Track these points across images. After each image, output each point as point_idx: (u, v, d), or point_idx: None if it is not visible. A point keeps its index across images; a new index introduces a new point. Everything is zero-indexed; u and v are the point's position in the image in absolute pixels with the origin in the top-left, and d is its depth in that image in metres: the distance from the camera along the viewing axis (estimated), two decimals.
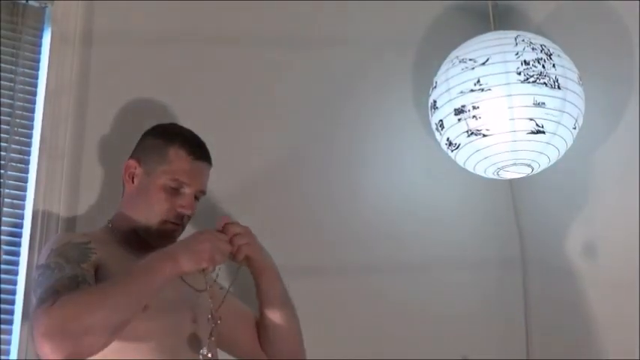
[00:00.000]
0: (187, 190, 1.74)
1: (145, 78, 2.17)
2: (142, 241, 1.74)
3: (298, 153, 2.36)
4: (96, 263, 1.63)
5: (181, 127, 1.84)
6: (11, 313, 1.92)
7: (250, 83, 2.32)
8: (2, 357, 1.94)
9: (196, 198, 1.77)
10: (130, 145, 1.82)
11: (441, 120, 2.24)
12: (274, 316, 1.82)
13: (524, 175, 2.30)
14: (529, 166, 2.23)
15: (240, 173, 2.20)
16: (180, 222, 1.74)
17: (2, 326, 1.91)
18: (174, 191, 1.73)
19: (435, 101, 2.26)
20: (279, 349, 1.86)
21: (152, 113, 2.08)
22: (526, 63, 2.12)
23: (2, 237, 1.95)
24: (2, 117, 1.96)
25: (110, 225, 1.78)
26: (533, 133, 2.12)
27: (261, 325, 1.86)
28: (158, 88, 2.18)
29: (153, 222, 1.72)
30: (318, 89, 2.46)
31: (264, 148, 2.30)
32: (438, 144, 2.37)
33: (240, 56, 2.31)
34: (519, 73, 2.11)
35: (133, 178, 1.76)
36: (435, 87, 2.29)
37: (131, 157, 1.78)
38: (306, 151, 2.40)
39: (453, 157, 2.33)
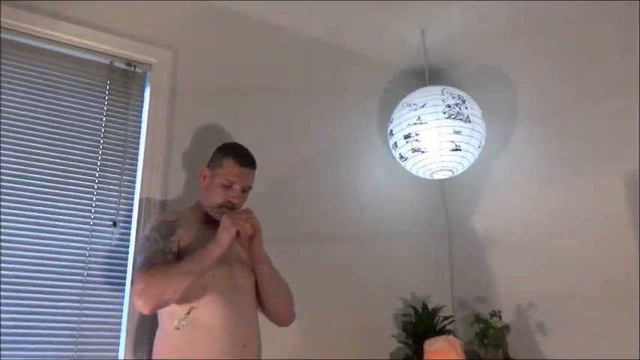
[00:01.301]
0: (236, 187, 1.98)
1: (212, 115, 2.45)
2: (211, 217, 2.00)
3: (302, 164, 2.62)
4: (180, 235, 1.90)
5: (236, 144, 2.08)
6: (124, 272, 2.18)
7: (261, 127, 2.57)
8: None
9: (244, 191, 2.01)
10: (201, 159, 2.13)
11: (396, 142, 2.63)
12: (269, 291, 2.00)
13: (448, 176, 2.65)
14: (451, 170, 2.59)
15: (267, 174, 2.33)
16: (231, 207, 1.97)
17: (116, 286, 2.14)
18: (227, 187, 1.96)
19: (391, 130, 2.67)
20: (275, 311, 2.03)
21: (217, 138, 2.30)
22: (449, 106, 2.50)
23: (119, 217, 2.17)
24: (118, 145, 2.25)
25: (194, 206, 2.06)
26: (453, 150, 2.49)
27: (259, 294, 2.02)
28: (222, 120, 2.44)
29: (214, 206, 1.98)
30: (315, 125, 2.74)
31: (282, 159, 2.56)
32: (394, 157, 2.73)
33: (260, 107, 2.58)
34: (444, 112, 2.48)
35: (205, 178, 2.03)
36: (392, 121, 2.69)
37: (207, 165, 2.05)
38: (306, 163, 2.63)
39: (403, 166, 2.70)
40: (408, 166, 2.69)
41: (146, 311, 1.72)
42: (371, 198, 2.83)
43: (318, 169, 2.71)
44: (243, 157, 2.03)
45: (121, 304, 2.15)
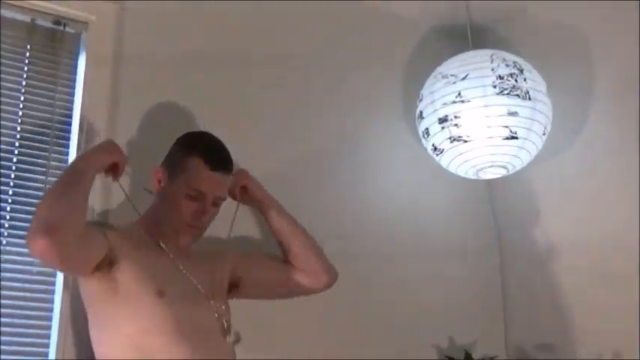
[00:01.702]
0: (205, 199, 1.84)
1: (171, 91, 2.31)
2: (164, 237, 1.85)
3: (300, 162, 2.50)
4: (110, 241, 1.74)
5: (204, 136, 1.93)
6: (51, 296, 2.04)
7: (255, 98, 2.46)
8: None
9: (216, 204, 1.87)
10: (155, 154, 1.98)
11: (427, 128, 2.40)
12: (295, 244, 2.02)
13: (500, 175, 2.43)
14: (504, 167, 2.37)
15: (259, 172, 2.20)
16: (199, 225, 1.86)
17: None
18: (194, 198, 1.82)
19: (421, 112, 2.43)
20: (312, 268, 2.03)
21: (179, 125, 2.18)
22: (500, 78, 2.27)
23: None
24: (43, 129, 2.12)
25: (140, 219, 1.90)
26: (507, 138, 2.27)
27: (285, 251, 2.03)
28: (187, 99, 2.32)
29: (177, 224, 1.84)
30: (322, 105, 2.61)
31: (279, 152, 2.46)
32: (425, 149, 2.50)
33: (251, 74, 2.46)
34: (495, 87, 2.26)
35: (160, 182, 1.87)
36: (422, 99, 2.45)
37: (162, 163, 1.89)
38: (306, 161, 2.52)
39: (437, 161, 2.46)
40: (444, 161, 2.42)
41: (53, 249, 1.54)
42: (393, 205, 2.68)
43: (322, 169, 2.57)
44: (216, 156, 1.85)
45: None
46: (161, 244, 1.84)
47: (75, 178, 1.69)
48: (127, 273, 1.73)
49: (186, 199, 1.82)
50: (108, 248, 1.73)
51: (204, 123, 2.26)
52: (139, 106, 2.27)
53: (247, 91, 2.48)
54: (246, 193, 2.01)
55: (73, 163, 1.80)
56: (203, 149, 1.85)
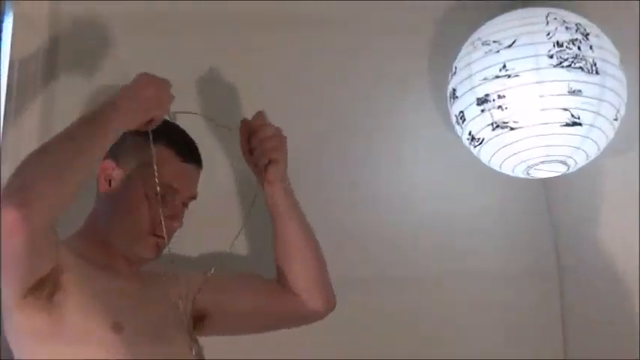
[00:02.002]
0: (176, 198, 1.78)
1: (130, 64, 2.07)
2: (115, 255, 1.77)
3: (301, 159, 2.17)
4: (60, 254, 1.61)
5: (168, 122, 1.83)
6: None
7: (244, 69, 2.32)
8: None
9: (185, 204, 1.82)
10: None
11: (462, 111, 2.24)
12: (290, 243, 1.96)
13: (558, 173, 2.28)
14: (564, 163, 2.20)
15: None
16: (168, 234, 1.76)
17: None
18: (161, 199, 1.75)
19: (454, 90, 2.27)
20: (309, 285, 1.97)
21: None
22: (559, 45, 2.09)
23: None
24: None
25: (78, 232, 1.79)
26: (568, 125, 2.10)
27: (283, 266, 1.96)
28: (145, 66, 2.05)
29: (134, 235, 1.75)
30: (315, 75, 2.47)
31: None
32: (459, 138, 2.36)
33: (230, 39, 2.33)
34: (551, 57, 2.08)
35: (110, 180, 1.77)
36: (455, 73, 2.28)
37: (108, 155, 1.76)
38: (306, 156, 2.33)
39: (475, 154, 2.31)
40: (484, 154, 2.27)
41: (27, 227, 1.44)
42: (420, 212, 2.52)
43: (330, 163, 2.46)
44: (186, 145, 1.84)
45: None
46: (111, 263, 1.76)
47: (85, 142, 1.60)
48: (73, 301, 1.63)
49: (148, 201, 1.75)
50: (55, 263, 1.61)
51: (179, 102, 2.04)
52: (82, 84, 2.17)
53: (245, 56, 2.37)
54: (269, 171, 1.92)
55: (93, 113, 1.65)
56: (172, 137, 1.80)
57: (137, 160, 1.78)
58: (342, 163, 2.47)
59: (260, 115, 1.96)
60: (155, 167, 1.76)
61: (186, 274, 1.89)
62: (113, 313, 1.66)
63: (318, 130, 2.44)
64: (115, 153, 1.77)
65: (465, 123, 2.27)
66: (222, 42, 2.34)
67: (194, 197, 1.84)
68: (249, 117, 2.02)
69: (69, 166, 1.53)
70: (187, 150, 1.83)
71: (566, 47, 2.11)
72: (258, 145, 1.90)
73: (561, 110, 2.11)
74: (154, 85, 1.74)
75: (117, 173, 1.78)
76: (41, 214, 1.46)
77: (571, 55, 2.10)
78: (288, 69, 2.45)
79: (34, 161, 1.53)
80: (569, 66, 2.10)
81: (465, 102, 2.23)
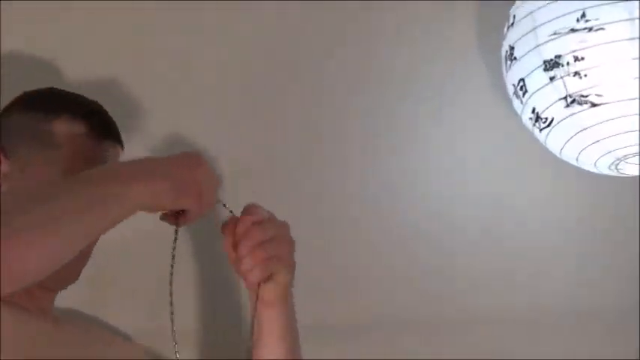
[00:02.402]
0: None
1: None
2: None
3: (300, 138, 2.28)
4: None
5: (67, 92, 1.74)
6: None
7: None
8: None
9: None
10: None
11: (523, 79, 2.01)
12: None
13: None
14: None
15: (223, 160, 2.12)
16: None
17: None
18: None
19: (512, 48, 2.05)
20: None
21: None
22: None
23: None
24: None
25: None
26: None
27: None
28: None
29: None
30: (329, 36, 2.26)
31: (253, 132, 2.24)
32: (518, 117, 2.13)
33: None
34: None
35: None
36: (513, 24, 2.06)
37: None
38: (311, 137, 2.27)
39: (542, 140, 2.08)
40: (554, 141, 2.06)
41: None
42: (461, 227, 2.39)
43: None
44: (98, 116, 1.74)
45: None
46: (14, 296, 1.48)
47: (99, 205, 1.42)
48: None
49: None
50: None
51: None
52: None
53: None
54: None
55: (116, 171, 1.51)
56: (78, 106, 1.73)
57: (34, 144, 1.63)
58: (363, 147, 2.30)
59: (252, 209, 1.67)
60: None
61: (127, 341, 1.86)
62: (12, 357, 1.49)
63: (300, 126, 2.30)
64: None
65: (526, 96, 2.02)
66: None
67: None
68: None
69: (69, 223, 1.34)
70: (102, 121, 1.73)
71: None
72: (247, 254, 1.61)
73: None
74: (202, 170, 1.53)
75: (6, 169, 1.62)
76: (27, 268, 1.29)
77: None
78: (324, 38, 2.26)
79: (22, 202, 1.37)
80: None
81: (528, 66, 1.98)
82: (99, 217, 1.37)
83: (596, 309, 2.44)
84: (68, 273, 1.59)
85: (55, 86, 1.82)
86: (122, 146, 1.72)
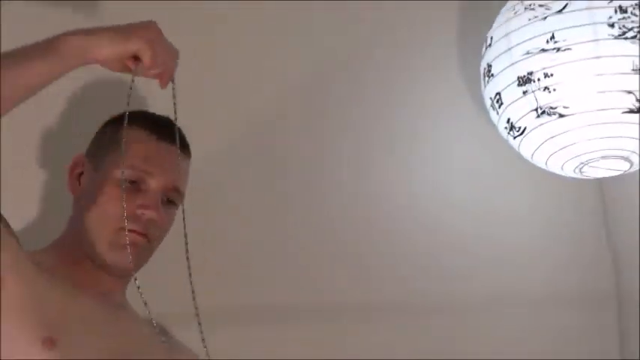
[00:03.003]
0: (151, 184, 1.70)
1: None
2: (93, 266, 1.70)
3: (280, 147, 2.35)
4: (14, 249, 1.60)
5: (148, 112, 1.83)
6: None
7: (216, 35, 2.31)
8: None
9: (171, 201, 1.73)
10: (78, 143, 1.84)
11: (499, 93, 2.14)
12: None
13: (618, 172, 2.18)
14: (626, 159, 2.10)
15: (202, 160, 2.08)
16: (143, 230, 1.69)
17: None
18: (133, 186, 1.69)
19: (489, 66, 2.17)
20: None
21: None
22: (622, 10, 1.99)
23: None
24: None
25: (53, 244, 1.76)
26: (631, 112, 2.00)
27: None
28: None
29: (104, 233, 1.68)
30: (318, 51, 2.41)
31: (237, 128, 2.30)
32: (494, 127, 2.24)
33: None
34: (612, 25, 1.98)
35: (79, 176, 1.73)
36: (490, 45, 2.18)
37: (86, 152, 1.77)
38: (292, 143, 2.36)
39: (515, 147, 2.21)
40: (526, 147, 2.20)
41: None
42: (445, 224, 2.48)
43: (344, 157, 2.41)
44: (160, 124, 1.80)
45: None
46: (84, 278, 1.71)
47: (32, 54, 1.56)
48: (7, 305, 1.60)
49: (118, 189, 1.70)
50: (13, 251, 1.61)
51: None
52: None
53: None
54: None
55: (54, 38, 1.58)
56: (145, 118, 1.80)
57: (107, 148, 1.74)
58: (347, 155, 2.41)
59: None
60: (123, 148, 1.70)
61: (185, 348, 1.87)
62: (48, 326, 1.59)
63: (315, 109, 2.39)
64: (87, 150, 1.78)
65: (502, 108, 2.15)
66: None
67: (178, 190, 1.75)
68: None
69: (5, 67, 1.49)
70: (163, 128, 1.76)
71: (631, 14, 1.99)
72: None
73: (624, 93, 1.98)
74: (154, 29, 1.63)
75: (86, 168, 1.75)
76: None
77: (637, 24, 1.99)
78: (305, 41, 2.40)
79: None
80: (635, 37, 1.98)
81: (503, 81, 2.12)
82: (39, 65, 1.53)
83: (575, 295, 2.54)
84: (125, 260, 1.69)
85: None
86: (187, 151, 1.83)
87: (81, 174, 1.76)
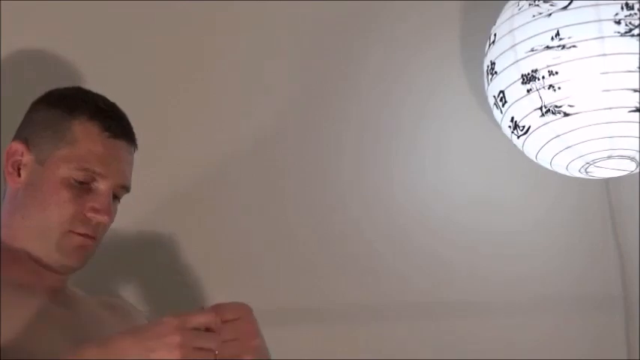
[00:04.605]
0: (102, 185, 1.68)
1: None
2: (30, 266, 1.67)
3: (280, 142, 2.35)
4: None
5: (89, 92, 1.79)
6: None
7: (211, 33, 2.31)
8: None
9: (116, 197, 1.72)
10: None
11: (502, 91, 2.16)
12: None
13: (625, 172, 2.20)
14: (632, 159, 2.13)
15: (198, 160, 2.18)
16: (92, 233, 1.68)
17: None
18: (83, 186, 1.67)
19: (492, 63, 2.19)
20: None
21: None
22: (629, 7, 2.00)
23: None
24: None
25: None
26: (638, 110, 2.02)
27: None
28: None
29: (51, 235, 1.66)
30: (317, 44, 2.41)
31: (232, 129, 2.29)
32: (498, 126, 2.28)
33: None
34: (619, 22, 2.00)
35: (19, 169, 1.70)
36: (494, 42, 2.20)
37: (15, 138, 1.72)
38: (292, 140, 2.36)
39: (519, 146, 2.24)
40: (530, 147, 2.22)
41: None
42: (448, 225, 2.47)
43: (342, 156, 2.42)
44: (113, 118, 1.78)
45: None
46: (25, 277, 1.69)
47: None
48: None
49: (68, 190, 1.68)
50: None
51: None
52: None
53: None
54: None
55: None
56: (94, 108, 1.75)
57: (53, 140, 1.70)
58: (349, 154, 2.41)
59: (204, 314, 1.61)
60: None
61: (140, 313, 1.85)
62: (22, 339, 1.57)
63: (313, 105, 2.39)
64: (23, 133, 1.72)
65: (506, 106, 2.17)
66: None
67: (126, 188, 1.75)
68: None
69: None
70: (116, 123, 1.74)
71: (638, 10, 2.01)
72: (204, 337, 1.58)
73: (630, 91, 1.99)
74: (179, 332, 1.50)
75: (28, 159, 1.70)
76: None
77: None
78: (305, 38, 2.41)
79: None
80: None
81: (507, 79, 2.14)
82: None
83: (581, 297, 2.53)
84: (74, 262, 1.71)
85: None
86: (135, 147, 1.80)
87: (17, 165, 1.74)
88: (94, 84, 1.91)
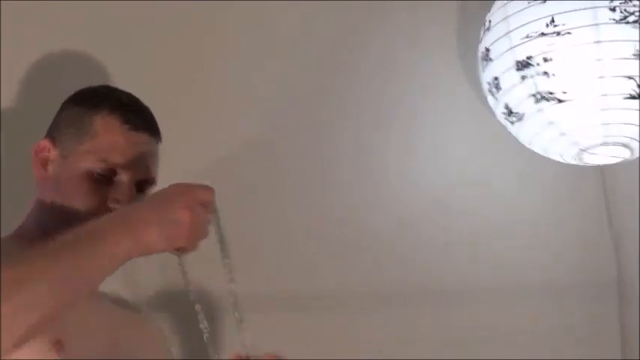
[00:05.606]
0: (124, 177, 1.67)
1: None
2: None
3: (280, 131, 2.39)
4: None
5: (114, 89, 1.80)
6: None
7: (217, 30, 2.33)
8: None
9: (141, 190, 1.71)
10: (37, 123, 1.81)
11: (497, 78, 2.18)
12: None
13: (619, 159, 2.22)
14: (626, 146, 2.15)
15: (205, 153, 2.22)
16: None
17: None
18: (105, 179, 1.66)
19: (487, 50, 2.21)
20: None
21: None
22: None
23: None
24: None
25: (17, 232, 1.74)
26: (632, 97, 2.04)
27: None
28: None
29: (75, 224, 1.58)
30: (314, 35, 2.42)
31: (234, 124, 2.33)
32: (492, 113, 2.31)
33: None
34: (614, 9, 2.02)
35: (46, 164, 1.71)
36: (489, 29, 2.22)
37: (45, 136, 1.74)
38: (292, 129, 2.39)
39: (514, 133, 2.27)
40: (524, 133, 2.27)
41: None
42: (444, 212, 2.54)
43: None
44: (134, 111, 1.75)
45: None
46: None
47: (83, 263, 1.49)
48: None
49: (90, 182, 1.67)
50: None
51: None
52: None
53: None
54: None
55: (103, 233, 1.51)
56: (116, 102, 1.73)
57: (76, 135, 1.70)
58: (344, 142, 2.45)
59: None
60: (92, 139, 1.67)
61: (154, 325, 1.87)
62: (56, 328, 1.54)
63: (311, 101, 2.41)
64: (51, 131, 1.73)
65: (500, 93, 2.20)
66: None
67: (150, 180, 1.72)
68: None
69: (61, 285, 1.44)
70: (137, 116, 1.74)
71: None
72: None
73: (625, 79, 2.02)
74: (187, 206, 1.56)
75: (54, 155, 1.71)
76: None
77: (638, 9, 2.02)
78: (303, 29, 2.41)
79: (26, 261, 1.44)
80: (636, 22, 2.02)
81: (502, 66, 2.16)
82: (89, 276, 1.49)
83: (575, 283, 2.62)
84: None
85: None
86: (158, 137, 1.78)
87: (45, 160, 1.75)
88: (93, 84, 1.91)
